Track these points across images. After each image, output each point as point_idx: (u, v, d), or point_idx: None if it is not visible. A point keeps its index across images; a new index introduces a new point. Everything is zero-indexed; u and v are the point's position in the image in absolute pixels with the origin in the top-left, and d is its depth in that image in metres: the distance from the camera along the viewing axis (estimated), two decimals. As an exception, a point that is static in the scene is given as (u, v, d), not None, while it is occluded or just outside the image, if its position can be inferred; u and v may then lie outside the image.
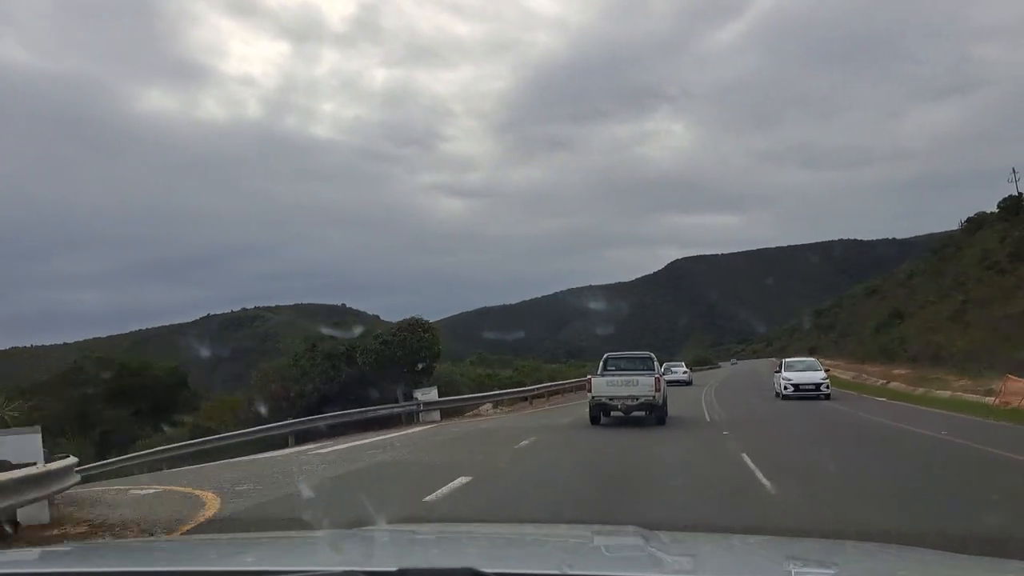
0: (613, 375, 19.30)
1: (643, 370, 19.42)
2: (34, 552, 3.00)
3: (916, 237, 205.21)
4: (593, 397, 18.78)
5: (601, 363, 20.34)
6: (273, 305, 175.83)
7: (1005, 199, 64.15)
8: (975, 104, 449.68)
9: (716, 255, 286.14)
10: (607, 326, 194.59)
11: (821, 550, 2.72)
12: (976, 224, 72.50)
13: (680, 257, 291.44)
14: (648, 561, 2.26)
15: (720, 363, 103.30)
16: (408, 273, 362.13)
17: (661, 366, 21.81)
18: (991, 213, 70.93)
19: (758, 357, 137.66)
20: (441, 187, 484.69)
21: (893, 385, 33.97)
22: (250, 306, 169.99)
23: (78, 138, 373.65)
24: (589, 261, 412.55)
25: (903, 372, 35.94)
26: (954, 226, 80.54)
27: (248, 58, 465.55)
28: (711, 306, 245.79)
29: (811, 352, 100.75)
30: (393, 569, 1.69)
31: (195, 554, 2.48)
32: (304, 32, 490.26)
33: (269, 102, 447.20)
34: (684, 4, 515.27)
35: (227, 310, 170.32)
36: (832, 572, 2.26)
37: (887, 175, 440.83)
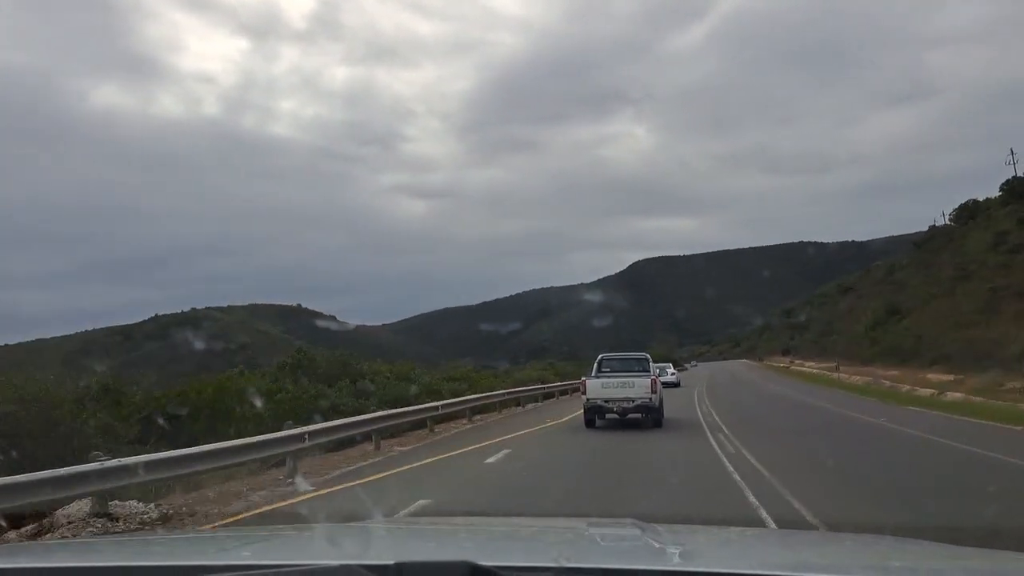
0: (608, 377, 18.73)
1: (639, 371, 18.88)
2: (32, 547, 3.04)
3: (875, 240, 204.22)
4: (588, 400, 18.37)
5: (595, 364, 19.80)
6: (225, 305, 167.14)
7: (1008, 181, 57.25)
8: (929, 110, 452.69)
9: (677, 256, 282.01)
10: (572, 326, 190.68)
11: (818, 542, 2.76)
12: (969, 212, 65.83)
13: (641, 259, 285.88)
14: (645, 553, 2.21)
15: (685, 364, 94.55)
16: (368, 274, 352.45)
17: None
18: (987, 199, 64.38)
19: (724, 358, 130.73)
20: (402, 188, 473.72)
21: (954, 397, 25.14)
22: (201, 306, 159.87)
23: (24, 133, 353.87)
24: (552, 263, 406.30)
25: (950, 378, 27.46)
26: (911, 229, 75.54)
27: (206, 55, 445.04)
28: (674, 307, 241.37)
29: (785, 353, 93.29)
30: (390, 562, 1.59)
31: (193, 549, 2.44)
32: (264, 28, 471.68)
33: (228, 99, 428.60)
34: (647, 7, 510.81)
35: (177, 310, 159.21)
36: (828, 563, 2.14)
37: (845, 180, 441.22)
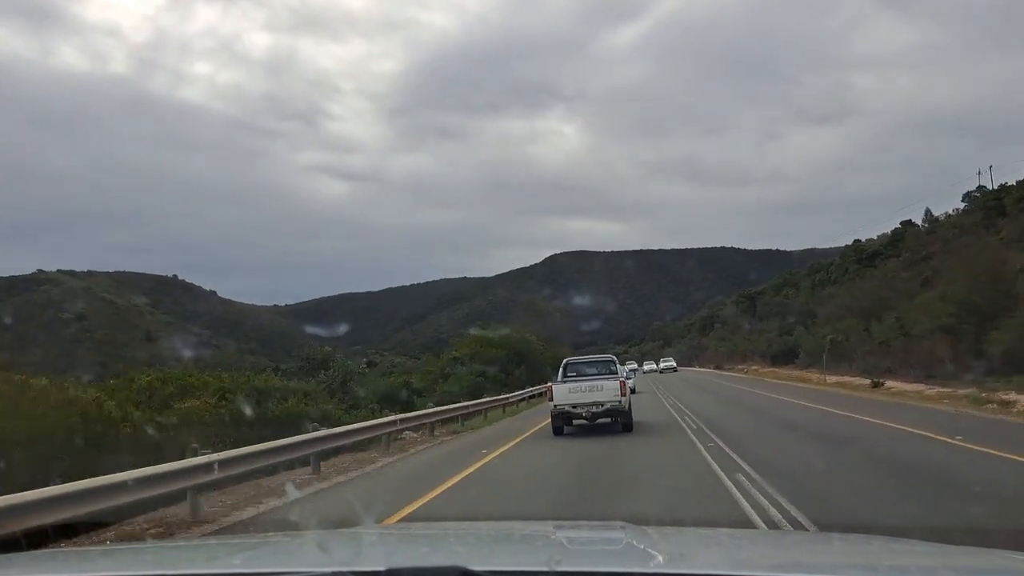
0: (575, 381, 17.92)
1: (606, 374, 18.17)
2: (21, 558, 2.72)
3: (800, 251, 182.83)
4: (555, 406, 17.39)
5: (561, 369, 18.99)
6: (84, 270, 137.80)
7: None
8: (849, 133, 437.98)
9: (596, 252, 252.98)
10: (473, 319, 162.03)
11: (808, 542, 2.70)
12: None
13: (559, 252, 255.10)
14: (636, 556, 2.17)
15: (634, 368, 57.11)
16: (274, 254, 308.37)
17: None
18: None
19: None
20: (323, 168, 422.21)
21: None
22: (51, 268, 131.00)
23: None
24: (472, 257, 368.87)
25: None
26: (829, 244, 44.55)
27: (113, 5, 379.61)
28: (590, 303, 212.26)
29: (778, 360, 57.63)
30: (382, 568, 1.60)
31: (183, 557, 2.40)
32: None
33: (138, 58, 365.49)
34: (582, 2, 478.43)
35: (15, 273, 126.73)
36: (818, 563, 2.11)
37: (765, 195, 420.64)
